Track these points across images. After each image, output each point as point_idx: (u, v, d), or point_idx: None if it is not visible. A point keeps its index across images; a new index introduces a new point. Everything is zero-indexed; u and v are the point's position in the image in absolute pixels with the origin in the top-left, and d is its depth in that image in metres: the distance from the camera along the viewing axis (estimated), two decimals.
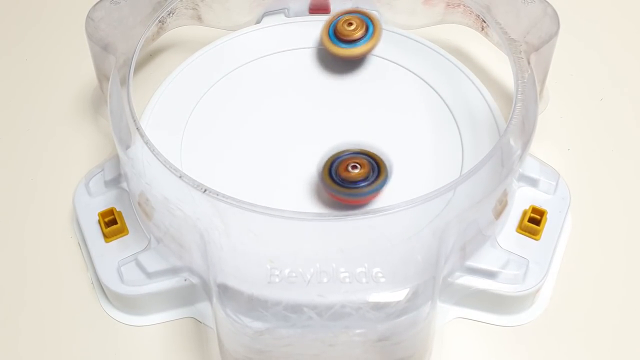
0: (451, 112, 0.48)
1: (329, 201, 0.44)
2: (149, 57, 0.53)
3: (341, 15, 0.49)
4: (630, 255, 0.45)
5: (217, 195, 0.38)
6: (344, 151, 0.43)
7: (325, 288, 0.37)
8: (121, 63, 0.44)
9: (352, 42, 0.48)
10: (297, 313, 0.36)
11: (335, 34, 0.48)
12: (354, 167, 0.42)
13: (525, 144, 0.41)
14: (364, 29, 0.48)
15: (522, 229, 0.43)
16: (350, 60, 0.49)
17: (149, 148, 0.40)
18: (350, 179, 0.42)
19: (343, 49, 0.48)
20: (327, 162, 0.43)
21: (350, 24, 0.48)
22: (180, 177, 0.39)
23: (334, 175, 0.42)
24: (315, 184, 0.44)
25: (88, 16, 0.46)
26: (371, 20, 0.49)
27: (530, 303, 0.43)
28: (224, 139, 0.47)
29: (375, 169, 0.42)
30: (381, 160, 0.43)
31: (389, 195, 0.43)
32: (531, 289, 0.42)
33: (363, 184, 0.42)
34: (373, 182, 0.42)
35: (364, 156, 0.43)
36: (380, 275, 0.37)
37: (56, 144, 0.50)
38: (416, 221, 0.39)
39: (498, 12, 0.47)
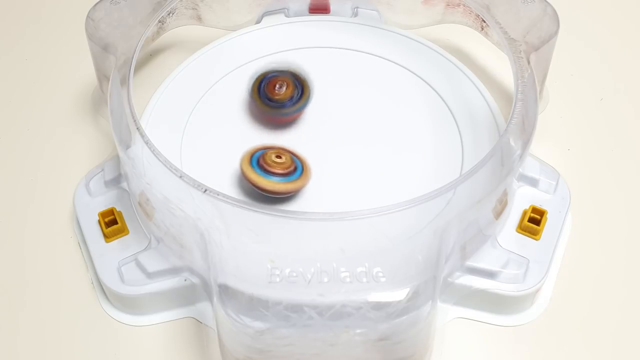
0: (451, 112, 0.48)
1: (330, 201, 0.44)
2: (149, 57, 0.53)
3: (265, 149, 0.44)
4: (630, 255, 0.45)
5: (218, 195, 0.38)
6: (270, 71, 0.46)
7: (326, 288, 0.37)
8: (121, 63, 0.44)
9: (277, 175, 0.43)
10: (298, 313, 0.36)
11: (260, 166, 0.43)
12: (280, 86, 0.45)
13: (525, 144, 0.41)
14: (292, 166, 0.43)
15: (522, 228, 0.43)
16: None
17: (150, 148, 0.40)
18: (278, 98, 0.45)
19: (265, 179, 0.43)
20: (256, 80, 0.46)
21: (279, 157, 0.43)
22: (180, 177, 0.39)
23: (262, 95, 0.46)
24: (316, 181, 0.44)
25: (88, 16, 0.46)
26: (300, 161, 0.44)
27: (530, 303, 0.43)
28: (224, 139, 0.47)
29: (299, 89, 0.46)
30: (305, 80, 0.46)
31: (389, 195, 0.43)
32: (531, 289, 0.42)
33: (289, 104, 0.46)
34: (297, 101, 0.46)
35: (289, 75, 0.46)
36: (380, 274, 0.37)
37: (56, 144, 0.50)
38: (417, 221, 0.39)
39: (498, 11, 0.47)
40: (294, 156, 0.44)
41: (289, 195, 0.44)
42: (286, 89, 0.46)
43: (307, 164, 0.44)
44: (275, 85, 0.46)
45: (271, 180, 0.42)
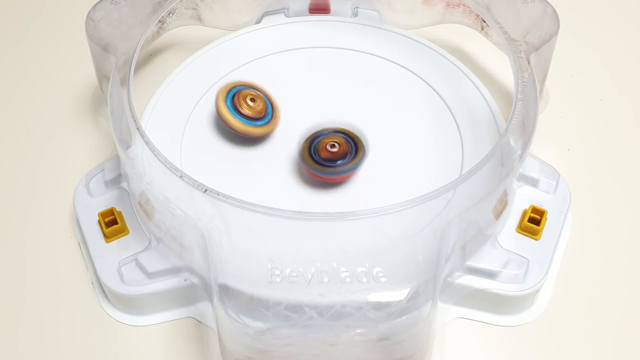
0: (451, 112, 0.48)
1: (330, 201, 0.44)
2: (149, 57, 0.54)
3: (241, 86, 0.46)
4: (630, 255, 0.45)
5: (218, 195, 0.38)
6: (322, 130, 0.45)
7: (326, 288, 0.37)
8: (121, 63, 0.44)
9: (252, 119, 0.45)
10: (298, 313, 0.36)
11: (233, 105, 0.45)
12: (333, 146, 0.43)
13: (525, 144, 0.41)
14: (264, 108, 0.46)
15: (522, 228, 0.43)
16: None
17: (150, 148, 0.40)
18: (330, 157, 0.43)
19: (242, 124, 0.45)
20: (306, 140, 0.44)
21: (253, 100, 0.45)
22: (181, 177, 0.39)
23: (313, 154, 0.44)
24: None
25: (88, 16, 0.46)
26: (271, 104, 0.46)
27: (530, 303, 0.43)
28: (224, 139, 0.47)
29: (352, 148, 0.44)
30: (358, 138, 0.44)
31: (389, 195, 0.43)
32: (531, 289, 0.42)
33: (341, 162, 0.44)
34: (351, 160, 0.44)
35: (341, 135, 0.44)
36: (381, 274, 0.37)
37: (56, 144, 0.50)
38: (417, 221, 0.39)
39: (498, 11, 0.47)
40: (267, 101, 0.45)
41: (255, 137, 0.46)
42: (339, 148, 0.44)
43: (277, 111, 0.46)
44: (326, 145, 0.44)
45: (239, 122, 0.45)
